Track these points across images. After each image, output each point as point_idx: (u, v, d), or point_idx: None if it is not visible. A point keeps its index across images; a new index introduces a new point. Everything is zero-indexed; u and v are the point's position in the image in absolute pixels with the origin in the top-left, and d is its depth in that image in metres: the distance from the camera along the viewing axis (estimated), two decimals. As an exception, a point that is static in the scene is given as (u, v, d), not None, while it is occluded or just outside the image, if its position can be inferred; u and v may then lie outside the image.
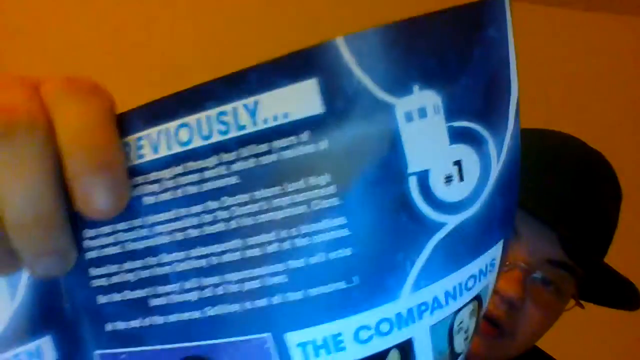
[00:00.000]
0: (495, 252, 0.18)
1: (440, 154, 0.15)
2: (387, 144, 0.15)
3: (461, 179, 0.16)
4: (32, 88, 0.16)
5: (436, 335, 0.18)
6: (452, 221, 0.16)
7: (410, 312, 0.17)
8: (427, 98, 0.15)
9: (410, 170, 0.15)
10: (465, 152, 0.16)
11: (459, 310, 0.18)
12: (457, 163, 0.16)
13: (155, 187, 0.17)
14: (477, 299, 0.18)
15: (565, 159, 0.46)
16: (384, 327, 0.17)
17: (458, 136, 0.15)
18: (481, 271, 0.18)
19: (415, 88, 0.15)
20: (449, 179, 0.16)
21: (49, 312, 0.18)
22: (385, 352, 0.17)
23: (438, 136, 0.15)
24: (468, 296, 0.18)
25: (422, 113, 0.15)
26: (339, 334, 0.17)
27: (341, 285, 0.16)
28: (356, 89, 0.15)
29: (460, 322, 0.18)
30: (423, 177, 0.15)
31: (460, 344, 0.19)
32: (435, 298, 0.17)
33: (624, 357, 1.20)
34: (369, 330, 0.17)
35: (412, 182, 0.15)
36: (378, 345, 0.17)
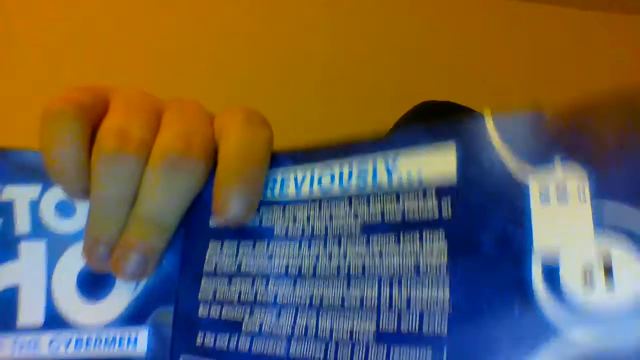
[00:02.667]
0: None
1: (580, 243, 0.13)
2: (514, 220, 0.14)
3: (609, 284, 0.13)
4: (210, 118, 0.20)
5: None
6: (587, 336, 0.13)
7: None
8: (571, 176, 0.14)
9: (536, 254, 0.13)
10: (617, 250, 0.13)
11: None
12: (604, 262, 0.13)
13: (289, 222, 0.18)
14: None
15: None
16: None
17: (609, 229, 0.13)
18: None
19: (558, 163, 0.14)
20: (589, 280, 0.13)
21: (155, 309, 0.19)
22: None
23: (579, 221, 0.13)
24: None
25: (562, 191, 0.14)
26: None
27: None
28: (491, 157, 0.15)
29: None
30: (552, 268, 0.13)
31: None
32: None
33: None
34: None
35: (536, 268, 0.13)
36: None
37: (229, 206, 0.17)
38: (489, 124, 0.15)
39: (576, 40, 1.03)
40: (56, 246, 0.20)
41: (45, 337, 0.19)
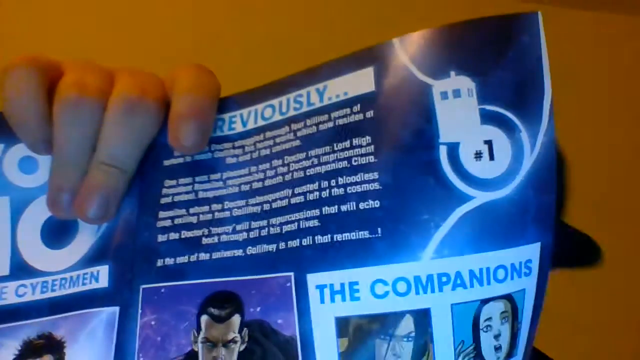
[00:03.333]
0: (531, 253, 0.18)
1: (471, 130, 0.18)
2: (423, 116, 0.18)
3: (491, 157, 0.17)
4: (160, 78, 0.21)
5: (458, 319, 0.17)
6: (480, 197, 0.17)
7: (430, 279, 0.17)
8: (462, 82, 0.18)
9: (442, 140, 0.18)
10: (495, 134, 0.18)
11: (486, 301, 0.18)
12: (488, 142, 0.18)
13: (238, 152, 0.21)
14: (510, 301, 0.18)
15: None
16: (401, 286, 0.17)
17: (489, 119, 0.18)
18: (513, 267, 0.17)
19: (452, 73, 0.18)
20: (478, 155, 0.17)
21: (114, 246, 0.21)
22: (400, 315, 0.17)
23: (470, 115, 0.18)
24: (496, 288, 0.17)
25: (457, 94, 0.18)
26: (356, 283, 0.17)
27: (365, 234, 0.18)
28: (402, 72, 0.19)
29: (489, 319, 0.18)
30: (453, 148, 0.18)
31: (490, 350, 0.18)
32: (458, 273, 0.17)
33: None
34: (385, 285, 0.17)
35: (442, 151, 0.18)
36: (393, 304, 0.17)
37: (183, 135, 0.19)
38: (398, 48, 0.19)
39: (576, 41, 1.07)
40: (20, 200, 0.21)
41: (12, 285, 0.20)
